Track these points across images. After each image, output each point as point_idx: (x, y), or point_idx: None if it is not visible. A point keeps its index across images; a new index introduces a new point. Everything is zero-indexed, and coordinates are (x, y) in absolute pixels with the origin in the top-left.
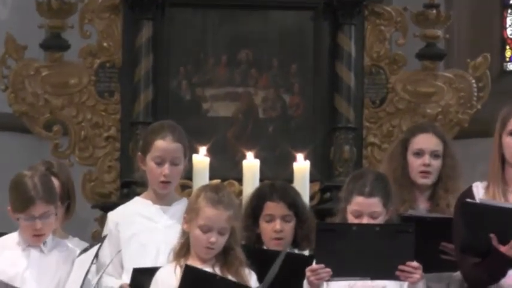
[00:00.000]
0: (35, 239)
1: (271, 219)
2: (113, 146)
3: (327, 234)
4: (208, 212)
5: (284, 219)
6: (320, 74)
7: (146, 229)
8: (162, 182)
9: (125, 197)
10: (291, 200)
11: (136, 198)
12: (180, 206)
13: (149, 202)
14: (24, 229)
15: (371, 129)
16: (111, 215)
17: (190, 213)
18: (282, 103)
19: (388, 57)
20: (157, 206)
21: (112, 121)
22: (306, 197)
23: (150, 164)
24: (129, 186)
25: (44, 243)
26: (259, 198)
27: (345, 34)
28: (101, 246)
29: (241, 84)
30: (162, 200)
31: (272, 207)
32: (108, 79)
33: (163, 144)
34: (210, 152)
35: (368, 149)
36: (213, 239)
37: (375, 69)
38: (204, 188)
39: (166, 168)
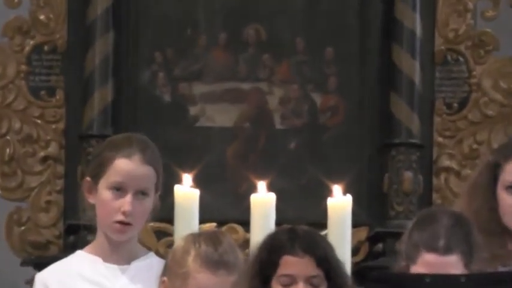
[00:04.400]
0: None
1: (290, 282)
2: (54, 171)
3: None
4: (204, 281)
5: (310, 282)
6: (368, 63)
7: None
8: (120, 222)
9: (71, 249)
10: (322, 253)
11: (79, 253)
12: (145, 264)
13: (97, 259)
14: None
15: (445, 146)
16: (40, 278)
17: (173, 280)
18: (311, 106)
19: (470, 37)
20: (109, 265)
21: (52, 133)
22: (345, 250)
23: (104, 194)
24: (77, 232)
25: None
26: (273, 250)
27: (407, 3)
28: None
29: (249, 78)
30: (117, 254)
31: (292, 264)
32: (47, 70)
33: (127, 165)
34: (200, 182)
35: (441, 177)
36: None
37: (451, 55)
38: (195, 239)
39: (128, 201)
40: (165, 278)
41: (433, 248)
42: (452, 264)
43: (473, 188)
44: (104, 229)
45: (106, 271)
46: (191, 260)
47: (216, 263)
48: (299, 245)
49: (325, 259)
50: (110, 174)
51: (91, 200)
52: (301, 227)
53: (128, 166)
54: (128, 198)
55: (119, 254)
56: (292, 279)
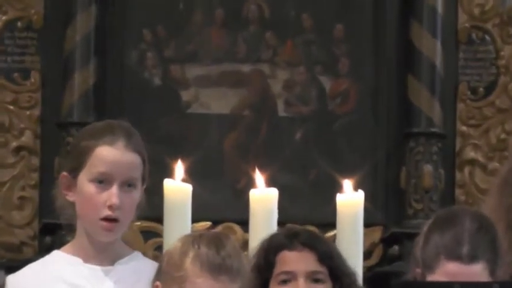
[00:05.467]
0: None
1: (290, 278)
2: (28, 164)
3: None
4: (203, 287)
5: (312, 278)
6: (384, 42)
7: None
8: (106, 219)
9: (48, 251)
10: (324, 248)
11: (56, 253)
12: (130, 266)
13: (77, 259)
14: None
15: (470, 137)
16: (12, 281)
17: (168, 285)
18: (319, 91)
19: (498, 14)
20: (91, 266)
21: (27, 121)
22: (357, 253)
23: (86, 188)
24: (54, 233)
25: None
26: (270, 250)
27: None
28: None
29: (249, 59)
30: (100, 254)
31: (291, 260)
32: (21, 49)
33: (111, 152)
34: (193, 176)
35: (465, 170)
36: None
37: (476, 34)
38: (195, 240)
39: (114, 193)
40: (158, 283)
41: (455, 256)
42: (477, 275)
43: (504, 183)
44: (88, 229)
45: (88, 273)
46: (189, 263)
47: (217, 268)
48: (298, 240)
49: (328, 255)
50: (91, 165)
51: (70, 197)
52: (301, 227)
53: (112, 154)
54: (114, 189)
55: (102, 254)
56: (292, 276)
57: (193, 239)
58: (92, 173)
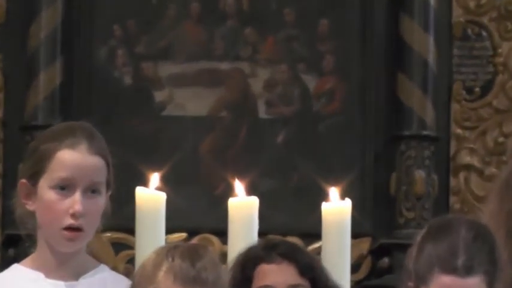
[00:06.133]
0: None
1: None
2: None
3: None
4: None
5: None
6: (372, 37)
7: None
8: (69, 228)
9: (10, 264)
10: (304, 259)
11: (16, 267)
12: (96, 279)
13: (39, 274)
14: None
15: (465, 140)
16: None
17: None
18: (302, 91)
19: (495, 7)
20: (53, 282)
21: None
22: (344, 266)
23: (46, 195)
24: (18, 244)
25: None
26: (247, 264)
27: None
28: None
29: (227, 57)
30: (63, 268)
31: (269, 273)
32: None
33: (72, 156)
34: (167, 183)
35: (460, 176)
36: None
37: (472, 29)
38: (169, 252)
39: (77, 199)
40: None
41: (450, 268)
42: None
43: (505, 186)
44: (49, 239)
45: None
46: (162, 276)
47: (191, 280)
48: (276, 252)
49: (309, 266)
50: (51, 170)
51: (30, 206)
52: (280, 238)
53: (74, 157)
54: (77, 196)
55: (65, 268)
56: None
57: (168, 250)
58: (52, 178)
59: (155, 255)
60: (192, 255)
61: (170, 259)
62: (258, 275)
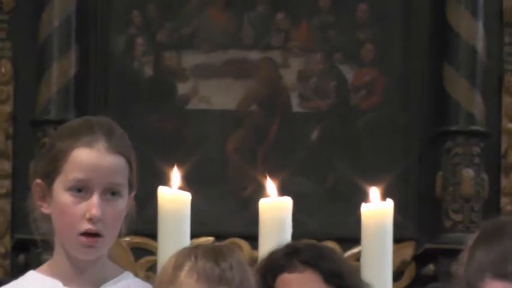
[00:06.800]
0: None
1: None
2: None
3: None
4: None
5: None
6: (415, 24)
7: None
8: (86, 234)
9: (21, 271)
10: (329, 265)
11: (32, 275)
12: (120, 287)
13: (56, 282)
14: None
15: None
16: None
17: None
18: (339, 83)
19: None
20: None
21: None
22: (385, 273)
23: (61, 198)
24: (28, 250)
25: None
26: (268, 272)
27: None
28: None
29: (257, 45)
30: (82, 276)
31: (291, 283)
32: None
33: (89, 155)
34: (192, 183)
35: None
36: None
37: None
38: (191, 252)
39: (94, 202)
40: None
41: (503, 274)
42: None
43: None
44: (66, 246)
45: None
46: (184, 275)
47: (216, 279)
48: (298, 258)
49: (335, 273)
50: (67, 170)
51: (45, 209)
52: (304, 241)
53: (91, 157)
54: (94, 199)
55: (85, 276)
56: None
57: (190, 251)
58: (68, 180)
59: (176, 256)
60: (216, 254)
61: (193, 258)
62: (280, 285)
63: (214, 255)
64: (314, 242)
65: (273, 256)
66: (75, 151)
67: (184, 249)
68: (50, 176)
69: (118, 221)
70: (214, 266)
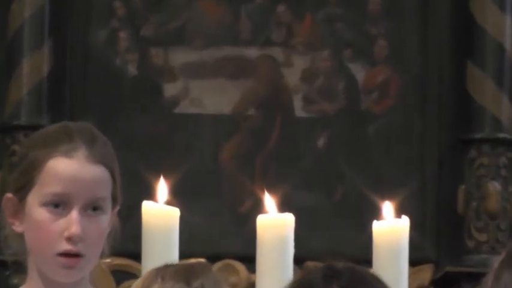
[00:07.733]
0: None
1: None
2: None
3: None
4: None
5: None
6: (434, 18)
7: None
8: (64, 254)
9: None
10: None
11: None
12: None
13: None
14: None
15: None
16: None
17: None
18: (349, 84)
19: None
20: None
21: None
22: None
23: (36, 214)
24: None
25: None
26: None
27: None
28: None
29: (255, 41)
30: None
31: None
32: None
33: (68, 166)
34: (181, 196)
35: None
36: None
37: None
38: (159, 273)
39: (74, 219)
40: None
41: None
42: None
43: None
44: (42, 268)
45: None
46: None
47: None
48: (338, 283)
49: None
50: (42, 183)
51: (17, 227)
52: (342, 263)
53: (69, 168)
54: (74, 215)
55: None
56: None
57: (157, 272)
58: (43, 194)
59: (142, 278)
60: (187, 274)
61: (159, 280)
62: None
63: (185, 274)
64: (352, 264)
65: (308, 278)
66: (51, 161)
67: (153, 269)
68: (22, 189)
69: (100, 240)
70: (184, 287)
